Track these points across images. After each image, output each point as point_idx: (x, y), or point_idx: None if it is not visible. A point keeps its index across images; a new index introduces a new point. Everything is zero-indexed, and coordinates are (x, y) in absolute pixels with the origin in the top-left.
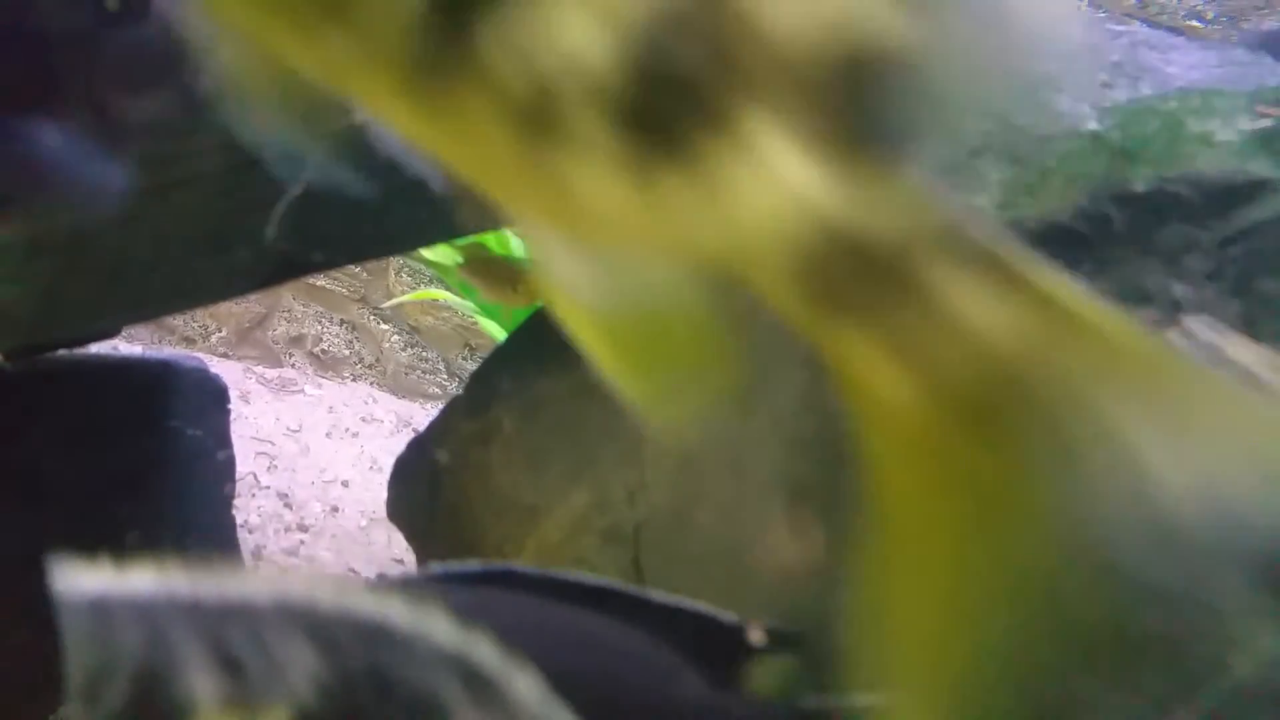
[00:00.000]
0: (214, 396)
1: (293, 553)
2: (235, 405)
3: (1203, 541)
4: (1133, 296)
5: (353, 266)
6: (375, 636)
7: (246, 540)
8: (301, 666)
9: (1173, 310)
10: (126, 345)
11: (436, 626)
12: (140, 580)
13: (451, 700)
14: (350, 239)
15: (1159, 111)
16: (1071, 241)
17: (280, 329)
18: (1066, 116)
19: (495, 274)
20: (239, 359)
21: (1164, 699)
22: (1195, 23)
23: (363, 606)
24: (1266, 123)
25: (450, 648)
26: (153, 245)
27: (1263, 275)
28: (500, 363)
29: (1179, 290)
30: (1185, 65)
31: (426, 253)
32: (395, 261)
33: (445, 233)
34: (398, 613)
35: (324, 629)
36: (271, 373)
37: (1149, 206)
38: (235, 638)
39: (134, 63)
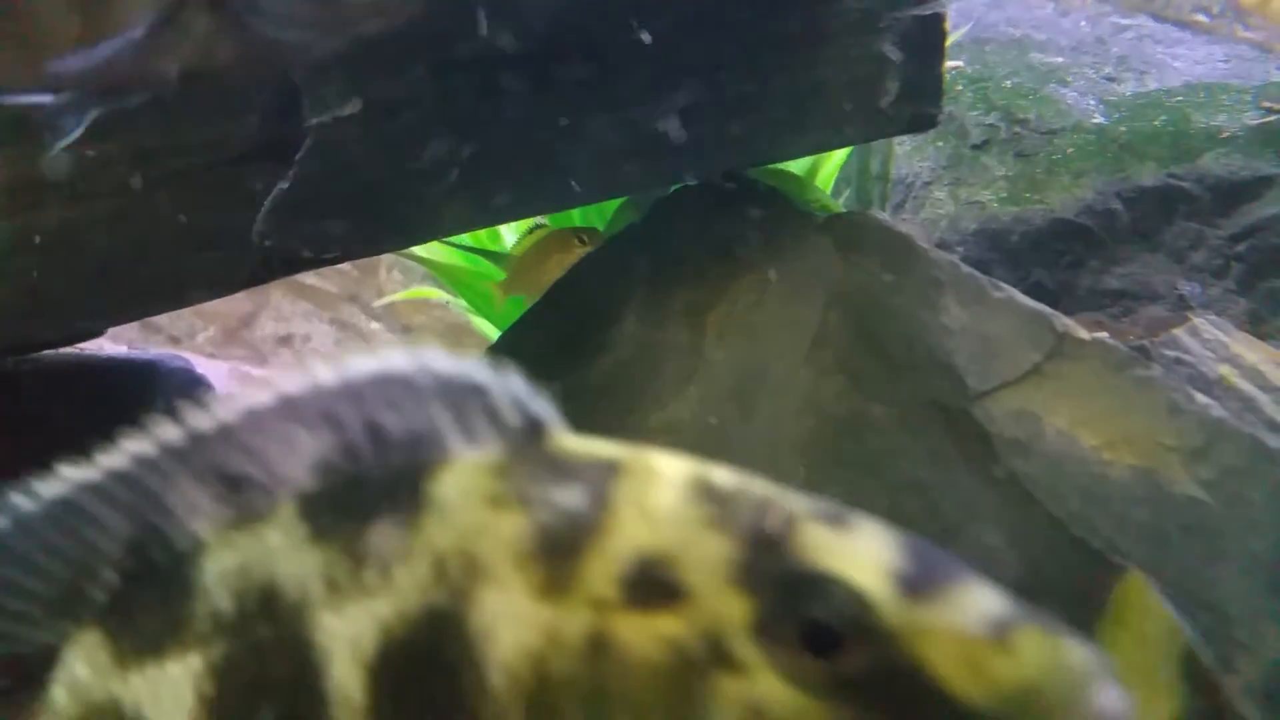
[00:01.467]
0: (200, 397)
1: None
2: None
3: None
4: (1140, 293)
5: (343, 264)
6: (369, 394)
7: None
8: (300, 456)
9: (1180, 308)
10: (112, 345)
11: (432, 359)
12: (104, 461)
13: (444, 427)
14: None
15: (1165, 106)
16: (1078, 237)
17: (268, 328)
18: (1072, 111)
19: (557, 242)
20: (226, 358)
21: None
22: (1201, 17)
23: (359, 368)
24: (1273, 118)
25: (445, 373)
26: (139, 243)
27: (1270, 272)
28: (493, 362)
29: (1186, 288)
30: (1191, 60)
31: (419, 250)
32: (387, 259)
33: (437, 230)
34: (393, 361)
35: (323, 408)
36: (259, 372)
37: (1156, 202)
38: (229, 459)
39: None
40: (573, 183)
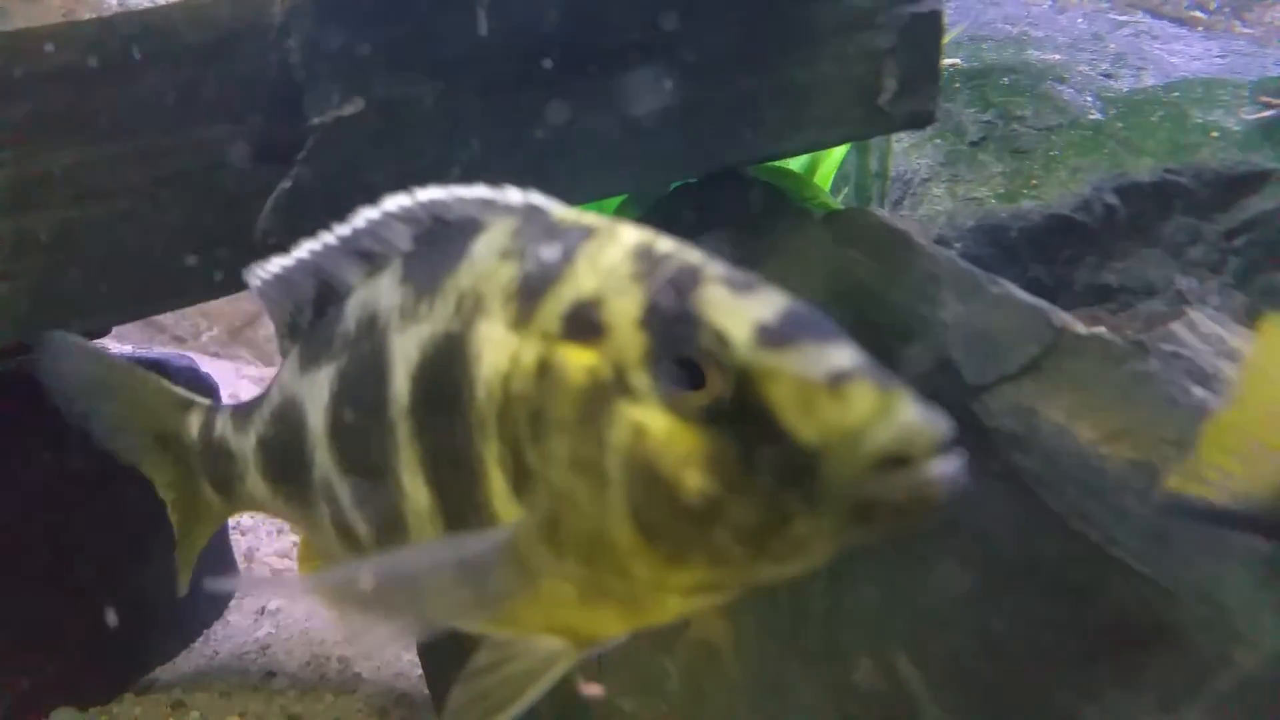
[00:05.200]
0: (205, 396)
1: (285, 555)
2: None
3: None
4: (1138, 288)
5: None
6: (436, 202)
7: (239, 543)
8: (403, 235)
9: (1178, 302)
10: (117, 344)
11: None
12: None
13: (483, 212)
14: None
15: (1162, 102)
16: (1075, 233)
17: (272, 328)
18: (1069, 107)
19: None
20: (230, 358)
21: (1168, 694)
22: (1198, 13)
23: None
24: (1270, 113)
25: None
26: (142, 242)
27: (1267, 267)
28: None
29: (1184, 283)
30: (1188, 56)
31: None
32: None
33: None
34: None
35: (411, 209)
36: (263, 371)
37: (1153, 197)
38: (362, 244)
39: None
40: (571, 181)
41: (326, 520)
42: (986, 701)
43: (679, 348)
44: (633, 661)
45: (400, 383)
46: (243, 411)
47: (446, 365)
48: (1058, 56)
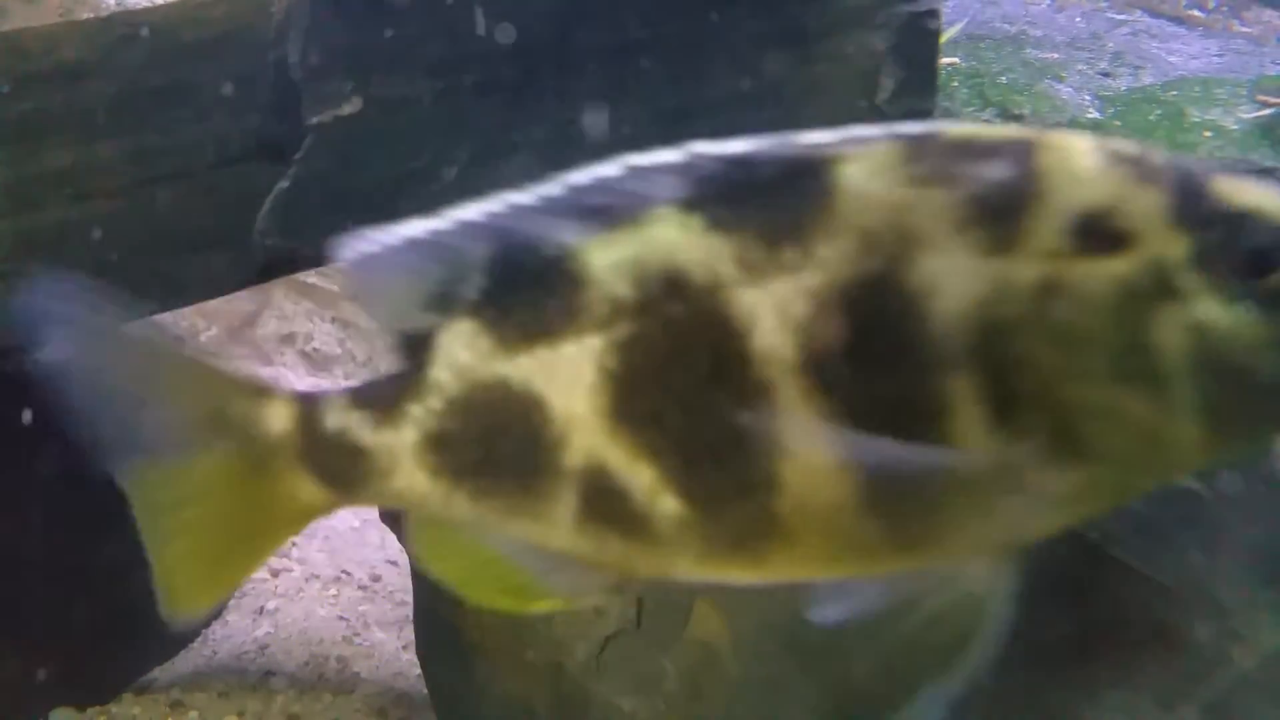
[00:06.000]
0: None
1: (285, 554)
2: None
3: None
4: None
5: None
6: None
7: None
8: (663, 185)
9: None
10: None
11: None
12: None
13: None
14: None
15: (1160, 100)
16: None
17: (271, 327)
18: (1068, 106)
19: None
20: (229, 358)
21: (1166, 693)
22: (1196, 12)
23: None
24: (1268, 111)
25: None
26: (141, 242)
27: None
28: None
29: None
30: (1186, 54)
31: None
32: None
33: None
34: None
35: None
36: (262, 372)
37: None
38: (584, 199)
39: None
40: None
41: (569, 511)
42: (985, 700)
43: (1242, 240)
44: (631, 661)
45: (775, 339)
46: (378, 402)
47: (872, 309)
48: (1056, 55)
